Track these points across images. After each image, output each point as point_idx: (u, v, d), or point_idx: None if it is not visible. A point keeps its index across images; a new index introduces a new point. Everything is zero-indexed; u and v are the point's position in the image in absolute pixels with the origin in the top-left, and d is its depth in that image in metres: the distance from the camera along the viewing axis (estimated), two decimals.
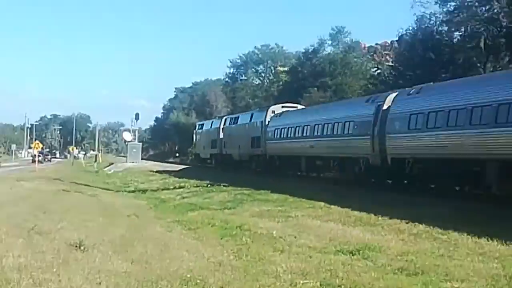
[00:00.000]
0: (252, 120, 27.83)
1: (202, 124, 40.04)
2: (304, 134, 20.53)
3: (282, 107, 26.19)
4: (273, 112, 25.58)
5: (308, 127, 20.33)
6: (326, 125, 18.90)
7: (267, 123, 24.84)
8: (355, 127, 16.08)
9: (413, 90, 14.23)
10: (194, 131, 42.45)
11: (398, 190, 13.49)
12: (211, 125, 36.11)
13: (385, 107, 14.67)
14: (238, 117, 31.41)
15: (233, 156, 29.79)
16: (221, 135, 32.17)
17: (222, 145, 32.00)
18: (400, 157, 13.67)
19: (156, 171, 32.40)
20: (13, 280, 4.58)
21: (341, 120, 17.69)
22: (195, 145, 43.01)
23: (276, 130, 23.28)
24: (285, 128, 22.37)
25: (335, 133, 17.96)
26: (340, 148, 17.11)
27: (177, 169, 35.00)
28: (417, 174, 13.47)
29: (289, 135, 21.71)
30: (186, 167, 37.42)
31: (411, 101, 13.71)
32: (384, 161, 14.27)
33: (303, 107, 27.68)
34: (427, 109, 12.56)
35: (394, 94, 15.01)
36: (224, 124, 32.52)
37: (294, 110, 25.34)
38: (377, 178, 15.72)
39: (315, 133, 19.73)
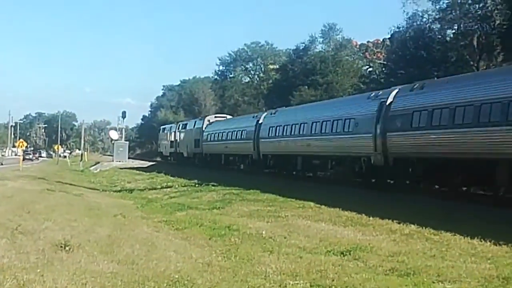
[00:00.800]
0: (195, 126, 35.44)
1: (164, 128, 47.57)
2: (223, 138, 28.09)
3: (215, 117, 35.59)
4: (209, 121, 33.56)
5: (224, 132, 28.30)
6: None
7: (204, 128, 32.67)
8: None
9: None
10: (158, 133, 50.66)
11: (398, 191, 13.23)
12: (170, 129, 43.47)
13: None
14: (187, 123, 39.66)
15: (183, 154, 37.45)
16: (176, 137, 39.65)
17: (176, 145, 39.79)
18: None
19: (136, 168, 33.77)
20: None
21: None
22: (159, 145, 50.92)
23: (210, 135, 30.70)
24: (218, 132, 29.56)
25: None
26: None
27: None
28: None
29: (220, 138, 28.71)
30: (154, 164, 39.93)
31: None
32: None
33: (231, 117, 36.13)
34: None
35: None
36: (178, 128, 39.87)
37: (222, 117, 35.28)
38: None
39: (229, 137, 27.22)
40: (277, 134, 21.71)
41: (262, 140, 23.11)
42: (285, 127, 20.88)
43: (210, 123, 32.59)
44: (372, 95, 16.27)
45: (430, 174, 12.73)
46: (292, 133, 20.11)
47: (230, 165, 28.69)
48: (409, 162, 13.14)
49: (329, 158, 18.08)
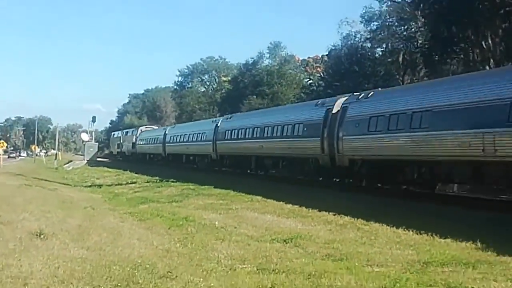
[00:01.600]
0: (132, 134, 46.76)
1: (114, 133, 60.69)
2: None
3: (146, 127, 47.93)
4: (141, 130, 45.35)
5: (186, 134, 31.55)
6: (193, 135, 30.37)
7: (138, 135, 44.50)
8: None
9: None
10: (110, 138, 64.52)
11: (341, 188, 14.45)
12: (117, 134, 55.84)
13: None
14: (128, 131, 50.36)
15: (125, 153, 49.25)
16: (122, 140, 50.94)
17: (121, 146, 50.85)
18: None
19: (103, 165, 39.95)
20: None
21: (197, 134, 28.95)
22: (110, 146, 63.42)
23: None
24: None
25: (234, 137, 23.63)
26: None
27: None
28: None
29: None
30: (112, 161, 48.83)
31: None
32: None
33: (157, 128, 47.06)
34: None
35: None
36: (123, 134, 51.63)
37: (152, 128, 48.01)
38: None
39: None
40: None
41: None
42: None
43: (142, 132, 44.76)
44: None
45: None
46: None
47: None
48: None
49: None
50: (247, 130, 21.63)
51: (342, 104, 15.07)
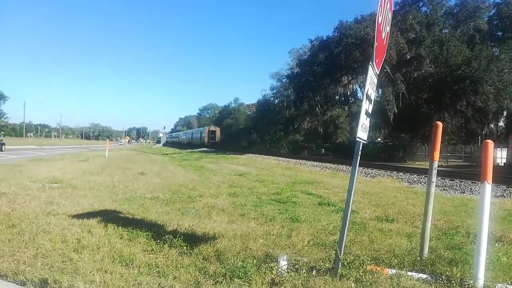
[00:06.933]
0: (178, 133, 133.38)
1: (172, 134, 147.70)
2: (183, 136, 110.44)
3: (183, 132, 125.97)
4: (182, 133, 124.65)
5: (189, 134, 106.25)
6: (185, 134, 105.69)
7: (181, 134, 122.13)
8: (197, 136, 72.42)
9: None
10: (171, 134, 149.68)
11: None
12: (173, 134, 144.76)
13: (206, 132, 74.76)
14: (178, 133, 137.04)
15: (176, 142, 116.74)
16: (175, 137, 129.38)
17: (175, 138, 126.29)
18: None
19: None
20: (116, 186, 13.43)
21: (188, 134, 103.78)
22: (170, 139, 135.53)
23: (181, 136, 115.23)
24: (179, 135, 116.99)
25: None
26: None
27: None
28: None
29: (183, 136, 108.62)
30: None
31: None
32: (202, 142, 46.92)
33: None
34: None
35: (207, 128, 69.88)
36: (175, 134, 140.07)
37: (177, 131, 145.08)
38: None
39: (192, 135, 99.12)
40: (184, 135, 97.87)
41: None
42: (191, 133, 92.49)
43: (182, 133, 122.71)
44: (202, 128, 65.36)
45: None
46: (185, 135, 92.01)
47: (191, 146, 79.36)
48: None
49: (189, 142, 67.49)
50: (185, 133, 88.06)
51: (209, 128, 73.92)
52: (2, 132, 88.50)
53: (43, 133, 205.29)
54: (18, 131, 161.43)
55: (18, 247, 4.93)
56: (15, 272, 4.15)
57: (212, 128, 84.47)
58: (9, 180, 11.47)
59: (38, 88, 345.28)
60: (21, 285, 3.95)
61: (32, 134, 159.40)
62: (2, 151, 36.11)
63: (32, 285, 3.91)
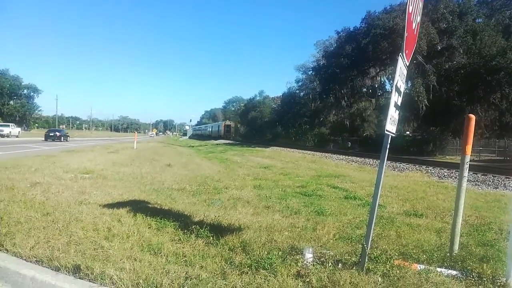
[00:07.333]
0: (202, 126, 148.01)
1: (197, 127, 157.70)
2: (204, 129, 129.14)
3: (196, 125, 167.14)
4: (206, 125, 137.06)
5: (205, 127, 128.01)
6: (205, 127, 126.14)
7: (194, 126, 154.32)
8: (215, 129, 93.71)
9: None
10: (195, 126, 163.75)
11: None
12: (198, 126, 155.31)
13: (222, 126, 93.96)
14: (203, 125, 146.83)
15: (200, 134, 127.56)
16: (200, 129, 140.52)
17: (200, 131, 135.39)
18: None
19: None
20: (144, 177, 13.76)
21: (209, 127, 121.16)
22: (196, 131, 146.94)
23: (205, 129, 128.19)
24: (201, 128, 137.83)
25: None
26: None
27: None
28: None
29: (204, 129, 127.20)
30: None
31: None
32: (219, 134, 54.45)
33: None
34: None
35: (224, 122, 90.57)
36: (201, 127, 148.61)
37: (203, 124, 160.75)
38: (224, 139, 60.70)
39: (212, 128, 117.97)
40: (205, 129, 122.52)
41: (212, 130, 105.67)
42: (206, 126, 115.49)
43: (206, 126, 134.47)
44: (218, 123, 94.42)
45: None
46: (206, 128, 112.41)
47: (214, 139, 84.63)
48: None
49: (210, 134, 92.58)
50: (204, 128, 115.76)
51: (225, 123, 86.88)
52: (64, 127, 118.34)
53: (74, 125, 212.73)
54: (51, 123, 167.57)
55: (52, 234, 5.14)
56: (50, 258, 4.33)
57: (227, 122, 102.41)
58: (43, 171, 11.93)
59: (69, 82, 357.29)
60: (55, 271, 4.11)
61: (64, 126, 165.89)
62: (67, 141, 47.66)
63: (66, 271, 4.07)
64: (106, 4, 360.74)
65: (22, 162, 14.42)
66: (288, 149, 41.46)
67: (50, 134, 47.48)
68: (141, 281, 3.79)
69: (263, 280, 3.87)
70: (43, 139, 46.05)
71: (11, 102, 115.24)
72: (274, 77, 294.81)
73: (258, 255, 4.54)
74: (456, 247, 4.81)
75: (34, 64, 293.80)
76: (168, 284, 3.73)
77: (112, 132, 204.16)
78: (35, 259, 4.35)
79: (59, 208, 6.63)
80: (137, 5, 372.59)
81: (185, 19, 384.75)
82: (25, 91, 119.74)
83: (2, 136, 49.49)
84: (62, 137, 47.92)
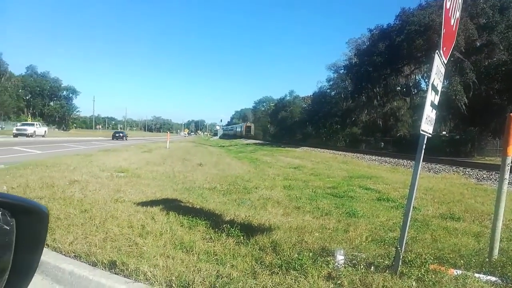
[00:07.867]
0: (230, 127, 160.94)
1: (227, 127, 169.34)
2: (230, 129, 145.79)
3: (226, 125, 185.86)
4: (234, 125, 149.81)
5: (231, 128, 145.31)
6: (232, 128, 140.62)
7: (223, 126, 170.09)
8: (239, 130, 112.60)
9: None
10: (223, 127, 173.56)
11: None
12: (227, 127, 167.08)
13: (244, 126, 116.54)
14: (232, 126, 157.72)
15: (229, 134, 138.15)
16: (230, 129, 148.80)
17: (229, 131, 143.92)
18: None
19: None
20: (176, 176, 13.98)
21: (234, 128, 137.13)
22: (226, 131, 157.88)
23: (233, 129, 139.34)
24: (228, 128, 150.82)
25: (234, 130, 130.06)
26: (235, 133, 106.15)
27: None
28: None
29: (230, 130, 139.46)
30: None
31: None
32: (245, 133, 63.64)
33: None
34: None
35: (245, 124, 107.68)
36: (230, 127, 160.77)
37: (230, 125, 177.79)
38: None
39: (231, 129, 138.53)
40: (231, 129, 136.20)
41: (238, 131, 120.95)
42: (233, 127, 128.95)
43: (233, 126, 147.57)
44: (242, 123, 75.70)
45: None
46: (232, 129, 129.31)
47: (239, 138, 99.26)
48: None
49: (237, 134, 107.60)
50: (231, 128, 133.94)
51: (246, 124, 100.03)
52: (101, 127, 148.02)
53: (110, 125, 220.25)
54: (88, 123, 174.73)
55: (90, 230, 5.33)
56: (88, 253, 4.49)
57: (248, 124, 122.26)
58: (81, 169, 12.40)
59: (106, 83, 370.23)
60: (92, 266, 4.27)
61: (100, 126, 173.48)
62: (126, 140, 59.63)
63: (103, 266, 4.21)
64: (139, 6, 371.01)
65: (62, 161, 15.05)
66: (319, 149, 41.02)
67: (116, 135, 64.76)
68: (173, 278, 3.87)
69: (293, 281, 3.85)
70: (111, 138, 61.56)
71: (51, 103, 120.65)
72: (304, 77, 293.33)
73: (288, 255, 4.53)
74: (496, 252, 4.61)
75: (73, 67, 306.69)
76: (200, 282, 3.78)
77: (146, 132, 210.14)
78: (73, 254, 4.53)
79: (96, 206, 6.87)
80: (164, 7, 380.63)
81: (218, 21, 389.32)
82: (64, 92, 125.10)
83: (26, 136, 47.30)
84: (124, 137, 63.32)
